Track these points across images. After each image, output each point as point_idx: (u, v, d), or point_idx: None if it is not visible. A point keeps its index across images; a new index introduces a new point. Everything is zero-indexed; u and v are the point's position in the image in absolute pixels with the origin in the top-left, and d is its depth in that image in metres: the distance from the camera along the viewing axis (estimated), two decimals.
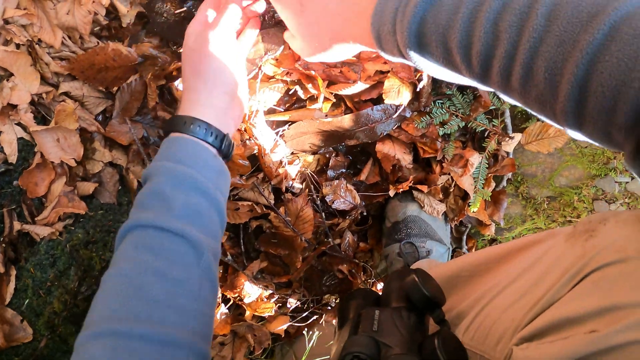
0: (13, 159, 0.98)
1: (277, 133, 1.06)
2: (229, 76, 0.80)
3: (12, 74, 0.97)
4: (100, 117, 1.04)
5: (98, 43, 0.99)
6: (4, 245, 0.99)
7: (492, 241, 1.25)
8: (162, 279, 0.62)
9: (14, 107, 0.98)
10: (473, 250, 1.25)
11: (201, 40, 0.79)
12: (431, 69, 0.59)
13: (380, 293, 0.98)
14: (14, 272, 0.99)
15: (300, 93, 1.03)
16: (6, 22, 0.95)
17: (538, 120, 1.07)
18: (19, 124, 0.98)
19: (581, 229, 0.62)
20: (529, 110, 0.53)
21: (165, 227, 0.65)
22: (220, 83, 0.80)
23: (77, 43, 0.98)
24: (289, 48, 1.01)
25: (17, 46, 0.97)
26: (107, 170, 1.04)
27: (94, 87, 1.01)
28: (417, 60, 0.58)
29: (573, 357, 0.50)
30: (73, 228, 1.01)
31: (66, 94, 1.00)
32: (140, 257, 0.63)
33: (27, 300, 1.00)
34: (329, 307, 1.22)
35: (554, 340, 0.54)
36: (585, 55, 0.43)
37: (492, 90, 0.55)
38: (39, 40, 0.97)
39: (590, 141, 0.49)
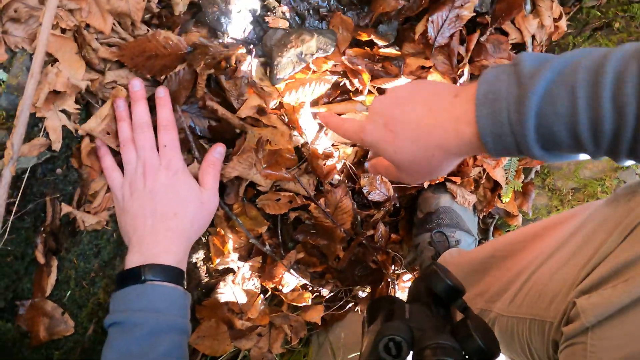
0: (57, 146, 0.95)
1: (320, 125, 1.08)
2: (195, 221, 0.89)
3: (56, 60, 0.95)
4: None
5: (148, 31, 0.98)
6: (44, 235, 0.96)
7: None
8: None
9: (58, 93, 0.96)
10: None
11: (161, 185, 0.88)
12: (555, 158, 0.59)
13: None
14: (55, 263, 0.97)
15: (348, 85, 1.05)
16: None
17: None
18: (63, 111, 0.96)
19: (621, 193, 0.67)
20: None
21: None
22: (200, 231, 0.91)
23: (128, 30, 0.97)
24: (337, 46, 1.03)
25: (63, 31, 0.95)
26: None
27: (141, 76, 1.00)
28: (542, 154, 0.58)
29: (636, 295, 0.54)
30: None
31: (114, 82, 0.98)
32: None
33: (69, 292, 0.97)
34: (362, 296, 1.25)
35: (615, 284, 0.58)
36: None
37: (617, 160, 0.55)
38: (87, 25, 0.95)
39: None
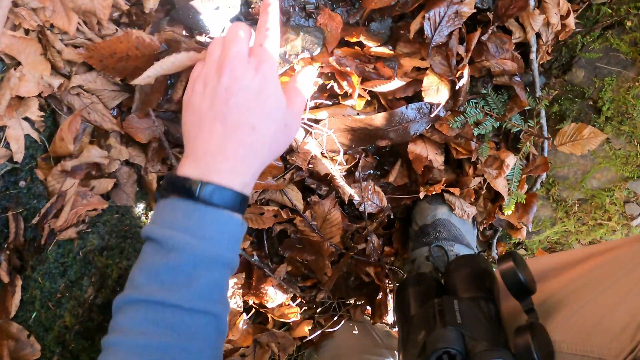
0: (19, 157, 0.88)
1: (307, 131, 1.00)
2: (275, 130, 0.72)
3: (19, 63, 0.87)
4: (114, 112, 0.95)
5: (117, 30, 0.90)
6: (8, 252, 0.89)
7: (517, 244, 1.22)
8: (183, 354, 0.62)
9: (21, 99, 0.88)
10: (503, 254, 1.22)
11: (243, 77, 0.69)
12: None
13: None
14: (19, 282, 0.89)
15: (336, 88, 0.97)
16: (15, 4, 0.85)
17: (572, 121, 1.05)
18: (26, 119, 0.89)
19: None
20: None
21: (187, 307, 0.63)
22: (263, 137, 0.70)
23: (94, 29, 0.89)
24: (325, 45, 0.95)
25: (27, 32, 0.87)
26: (123, 169, 0.96)
27: (109, 79, 0.92)
28: None
29: None
30: (88, 232, 0.92)
31: (80, 87, 0.91)
32: (162, 332, 0.62)
33: (35, 314, 0.90)
34: (357, 304, 1.18)
35: None
36: None
37: None
38: (51, 25, 0.87)
39: None
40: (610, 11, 1.01)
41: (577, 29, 1.04)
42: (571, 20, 1.00)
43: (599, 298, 0.65)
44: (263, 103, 0.69)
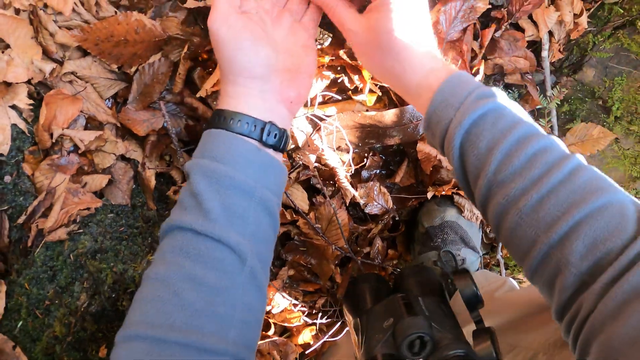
0: (5, 149, 0.80)
1: (315, 126, 0.95)
2: (259, 58, 0.68)
3: (8, 46, 0.79)
4: (109, 102, 0.88)
5: (115, 12, 0.83)
6: None
7: None
8: (199, 286, 0.58)
9: (8, 85, 0.80)
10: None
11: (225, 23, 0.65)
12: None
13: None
14: (3, 288, 0.81)
15: (347, 82, 0.92)
16: None
17: (582, 121, 1.03)
18: (13, 107, 0.81)
19: None
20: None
21: (202, 232, 0.60)
22: (242, 68, 0.67)
23: (92, 11, 0.82)
24: (336, 37, 0.91)
25: (17, 11, 0.79)
26: (118, 165, 0.88)
27: (105, 67, 0.85)
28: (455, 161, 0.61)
29: None
30: (79, 233, 0.84)
31: (73, 73, 0.83)
32: (177, 261, 0.59)
33: (21, 323, 0.82)
34: None
35: None
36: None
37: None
38: (45, 5, 0.80)
39: None
40: (622, 11, 1.00)
41: (589, 28, 1.02)
42: (584, 19, 0.98)
43: None
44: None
